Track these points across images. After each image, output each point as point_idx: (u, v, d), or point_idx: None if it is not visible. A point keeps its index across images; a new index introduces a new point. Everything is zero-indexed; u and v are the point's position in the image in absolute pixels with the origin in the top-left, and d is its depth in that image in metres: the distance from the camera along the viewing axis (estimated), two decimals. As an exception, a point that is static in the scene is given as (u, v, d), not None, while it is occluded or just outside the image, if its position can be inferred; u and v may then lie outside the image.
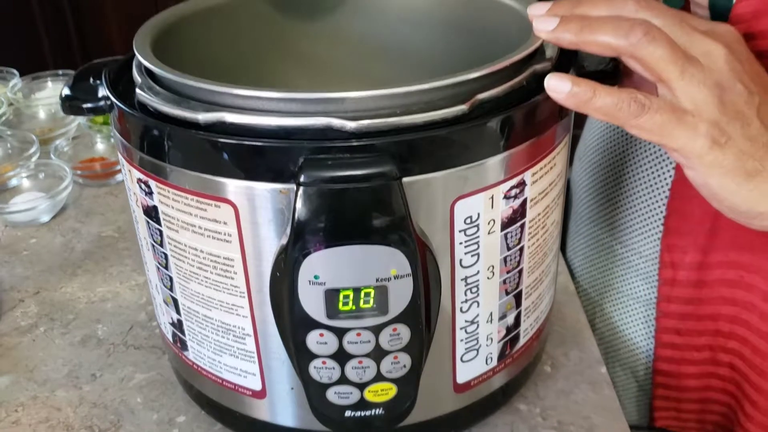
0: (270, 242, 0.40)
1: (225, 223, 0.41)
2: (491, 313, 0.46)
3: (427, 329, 0.43)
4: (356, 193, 0.37)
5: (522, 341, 0.50)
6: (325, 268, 0.39)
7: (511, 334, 0.48)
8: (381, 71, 0.60)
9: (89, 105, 0.46)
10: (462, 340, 0.45)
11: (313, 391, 0.44)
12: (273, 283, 0.41)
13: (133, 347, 0.62)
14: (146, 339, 0.62)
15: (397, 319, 0.41)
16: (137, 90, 0.43)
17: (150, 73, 0.44)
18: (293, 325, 0.41)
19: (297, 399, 0.46)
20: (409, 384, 0.44)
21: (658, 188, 0.56)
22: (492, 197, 0.42)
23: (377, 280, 0.40)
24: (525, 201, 0.43)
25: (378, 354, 0.42)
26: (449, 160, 0.39)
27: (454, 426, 0.50)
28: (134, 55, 0.45)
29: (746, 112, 0.39)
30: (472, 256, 0.43)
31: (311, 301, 0.40)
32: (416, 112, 0.38)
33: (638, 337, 0.62)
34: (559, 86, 0.39)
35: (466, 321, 0.45)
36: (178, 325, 0.48)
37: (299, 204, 0.38)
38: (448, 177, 0.40)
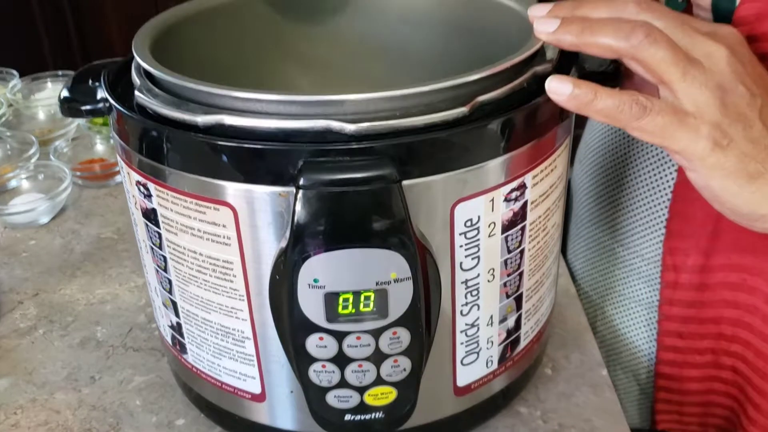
0: (269, 245, 0.40)
1: (224, 226, 0.40)
2: (492, 316, 0.46)
3: (427, 332, 0.43)
4: (356, 196, 0.37)
5: (522, 344, 0.49)
6: (325, 272, 0.39)
7: (512, 337, 0.48)
8: (381, 72, 0.60)
9: (88, 107, 0.46)
10: (462, 344, 0.45)
11: (313, 395, 0.44)
12: (272, 287, 0.41)
13: (132, 349, 0.62)
14: (145, 341, 0.62)
15: (397, 323, 0.41)
16: (136, 92, 0.43)
17: (149, 75, 0.44)
18: (293, 328, 0.41)
19: (296, 402, 0.46)
20: (409, 387, 0.44)
21: (660, 190, 0.56)
22: (492, 200, 0.41)
23: (377, 284, 0.40)
24: (526, 203, 0.43)
25: (378, 357, 0.42)
26: (449, 162, 0.39)
27: (455, 429, 0.50)
28: (133, 56, 0.44)
29: (748, 114, 0.39)
30: (472, 259, 0.42)
31: (311, 305, 0.40)
32: (416, 114, 0.38)
33: (640, 340, 0.61)
34: (559, 88, 0.39)
35: (466, 324, 0.45)
36: (177, 328, 0.48)
37: (299, 207, 0.37)
38: (448, 180, 0.39)
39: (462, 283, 0.43)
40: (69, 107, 0.47)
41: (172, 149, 0.40)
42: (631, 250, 0.60)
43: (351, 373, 0.42)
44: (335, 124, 0.37)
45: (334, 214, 0.38)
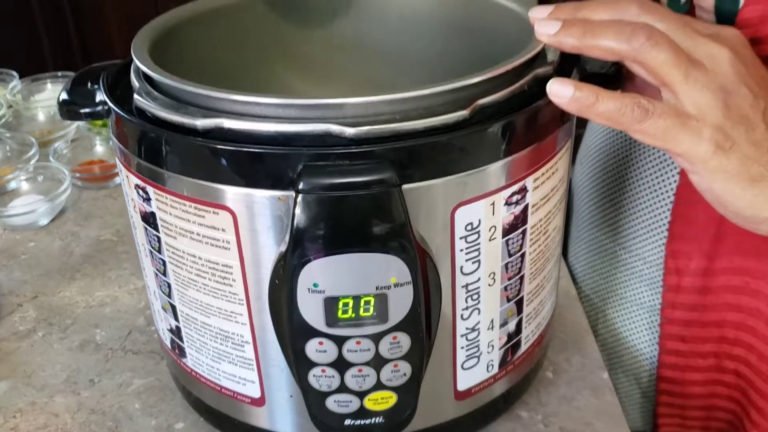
0: (269, 249, 0.40)
1: (223, 230, 0.40)
2: (492, 320, 0.45)
3: (428, 337, 0.42)
4: (356, 201, 0.37)
5: (523, 348, 0.49)
6: (325, 276, 0.39)
7: (513, 341, 0.48)
8: (381, 73, 0.60)
9: (87, 110, 0.46)
10: (463, 348, 0.45)
11: (313, 400, 0.43)
12: (272, 291, 0.41)
13: (131, 352, 0.61)
14: (144, 344, 0.62)
15: (397, 327, 0.41)
16: (135, 95, 0.42)
17: (148, 78, 0.43)
18: (292, 333, 0.41)
19: (296, 407, 0.45)
20: (409, 392, 0.44)
21: (662, 193, 0.56)
22: (493, 203, 0.41)
23: (377, 288, 0.39)
24: (526, 207, 0.43)
25: (378, 362, 0.42)
26: (450, 166, 0.39)
27: (455, 433, 0.50)
28: (132, 59, 0.44)
29: (751, 116, 0.39)
30: (473, 263, 0.42)
31: (310, 309, 0.40)
32: (416, 117, 0.38)
33: (642, 344, 0.61)
34: (561, 91, 0.39)
35: (466, 328, 0.44)
36: (176, 332, 0.48)
37: (298, 211, 0.37)
38: (448, 183, 0.39)
39: (462, 287, 0.43)
40: (68, 110, 0.46)
41: (171, 153, 0.40)
42: (633, 253, 0.60)
43: (351, 378, 0.42)
44: (335, 128, 0.37)
45: (334, 219, 0.37)
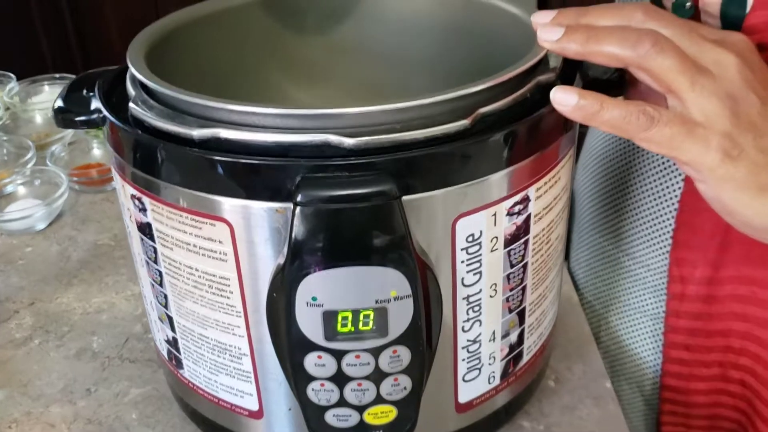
0: (266, 262, 0.39)
1: (220, 242, 0.40)
2: (494, 332, 0.45)
3: (428, 350, 0.42)
4: (355, 213, 0.36)
5: (525, 359, 0.48)
6: (323, 290, 0.38)
7: (515, 352, 0.47)
8: (381, 77, 0.59)
9: (82, 118, 0.45)
10: (464, 360, 0.44)
11: (311, 413, 0.43)
12: (269, 304, 0.40)
13: (128, 360, 0.61)
14: (142, 352, 0.61)
15: (397, 341, 0.40)
16: (131, 104, 0.42)
17: (144, 86, 0.43)
18: (290, 346, 0.40)
19: (295, 420, 0.45)
20: (409, 406, 0.43)
21: (666, 200, 0.55)
22: (495, 214, 0.40)
23: (377, 302, 0.39)
24: (529, 217, 0.42)
25: (378, 376, 0.41)
26: (451, 177, 0.38)
27: (457, 445, 0.49)
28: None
29: (759, 123, 0.38)
30: (474, 274, 0.41)
31: (309, 323, 0.39)
32: (416, 127, 0.37)
33: (645, 352, 0.60)
34: (565, 99, 0.38)
35: (468, 340, 0.44)
36: (173, 343, 0.47)
37: (296, 223, 0.36)
38: (449, 195, 0.38)
39: (463, 299, 0.42)
40: (63, 118, 0.46)
41: (167, 163, 0.39)
42: (636, 260, 0.59)
43: (350, 392, 0.41)
44: (333, 138, 0.36)
45: (333, 231, 0.37)
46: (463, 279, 0.41)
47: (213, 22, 0.53)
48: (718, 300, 0.53)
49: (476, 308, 0.43)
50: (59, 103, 0.46)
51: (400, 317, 0.39)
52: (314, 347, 0.40)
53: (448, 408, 0.46)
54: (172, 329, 0.46)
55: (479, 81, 0.38)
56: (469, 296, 0.42)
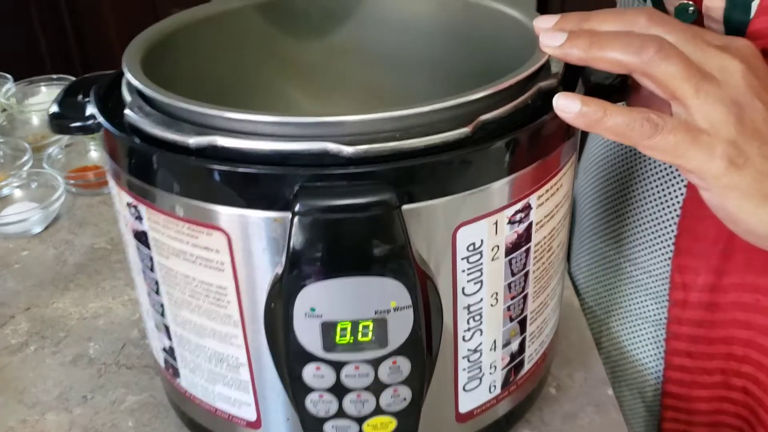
0: (264, 271, 0.39)
1: (217, 251, 0.39)
2: (495, 341, 0.44)
3: (429, 360, 0.41)
4: (354, 223, 0.36)
5: (527, 367, 0.48)
6: (322, 300, 0.38)
7: (516, 361, 0.46)
8: (380, 80, 0.58)
9: (77, 124, 0.44)
10: (464, 370, 0.44)
11: (310, 425, 0.42)
12: (267, 314, 0.39)
13: (125, 367, 0.60)
14: (138, 358, 0.61)
15: (396, 352, 0.39)
16: (126, 110, 0.41)
17: (140, 92, 0.42)
18: (289, 357, 0.40)
19: (293, 431, 0.44)
20: (409, 417, 0.42)
21: (668, 206, 0.54)
22: (496, 223, 0.40)
23: (376, 313, 0.38)
24: (530, 225, 0.42)
25: (377, 387, 0.40)
26: (451, 185, 0.37)
27: (457, 455, 0.49)
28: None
29: (764, 130, 0.37)
30: (475, 283, 0.41)
31: (307, 334, 0.38)
32: (416, 135, 0.36)
33: (647, 358, 0.60)
34: (568, 106, 0.38)
35: (468, 350, 0.43)
36: (170, 352, 0.47)
37: (295, 233, 0.36)
38: (449, 203, 0.38)
39: (464, 308, 0.41)
40: (58, 123, 0.45)
41: (163, 171, 0.39)
42: (638, 266, 0.59)
43: (349, 403, 0.41)
44: (332, 147, 0.36)
45: (332, 241, 0.36)
46: (463, 288, 0.41)
47: (212, 25, 0.53)
48: (720, 307, 0.53)
49: (477, 317, 0.42)
50: (54, 108, 0.45)
51: (400, 328, 0.39)
52: (313, 358, 0.39)
53: (449, 418, 0.45)
54: (169, 338, 0.46)
55: (480, 88, 0.38)
56: (469, 305, 0.41)
